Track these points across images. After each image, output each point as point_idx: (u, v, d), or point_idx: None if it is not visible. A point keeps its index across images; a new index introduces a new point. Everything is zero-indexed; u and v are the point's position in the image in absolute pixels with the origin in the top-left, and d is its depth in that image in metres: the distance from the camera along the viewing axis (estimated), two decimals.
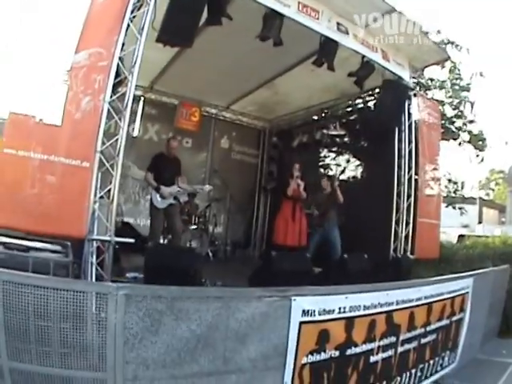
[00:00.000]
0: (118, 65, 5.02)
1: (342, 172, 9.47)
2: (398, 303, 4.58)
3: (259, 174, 11.29)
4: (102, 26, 5.03)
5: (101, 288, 3.16)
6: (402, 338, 4.75)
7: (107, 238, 4.93)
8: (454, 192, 13.09)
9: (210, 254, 8.55)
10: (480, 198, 34.24)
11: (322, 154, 10.14)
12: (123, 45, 5.10)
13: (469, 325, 6.16)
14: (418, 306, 4.91)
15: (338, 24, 6.98)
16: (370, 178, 8.71)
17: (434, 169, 8.16)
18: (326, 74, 8.27)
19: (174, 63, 8.29)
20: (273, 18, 6.32)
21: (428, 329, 5.20)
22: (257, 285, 5.36)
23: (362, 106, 9.14)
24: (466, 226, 20.35)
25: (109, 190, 5.05)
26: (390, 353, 4.63)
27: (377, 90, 8.48)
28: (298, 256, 5.86)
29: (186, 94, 9.79)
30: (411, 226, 7.71)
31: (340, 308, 3.99)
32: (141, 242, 7.26)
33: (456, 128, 11.86)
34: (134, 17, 5.23)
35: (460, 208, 13.75)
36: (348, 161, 9.38)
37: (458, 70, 12.08)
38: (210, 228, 9.29)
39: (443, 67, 10.65)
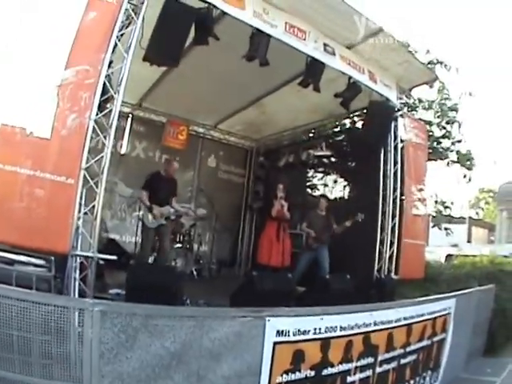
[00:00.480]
0: (104, 83, 5.10)
1: (329, 192, 9.60)
2: (375, 324, 4.62)
3: (245, 193, 11.35)
4: (91, 43, 5.09)
5: (78, 304, 3.27)
6: (380, 358, 4.77)
7: (90, 255, 4.94)
8: (440, 213, 13.21)
9: (195, 273, 8.55)
10: (469, 218, 34.56)
11: (309, 175, 10.26)
12: (111, 62, 5.19)
13: (452, 344, 6.21)
14: (396, 327, 4.94)
15: (325, 45, 7.11)
16: (356, 198, 8.85)
17: (421, 189, 8.30)
18: (312, 94, 8.37)
19: (162, 81, 8.40)
20: (259, 38, 6.41)
21: (408, 349, 5.23)
22: (238, 304, 5.36)
23: (348, 126, 9.32)
24: (454, 246, 20.49)
25: (93, 207, 5.08)
26: (368, 373, 4.65)
27: (364, 111, 8.63)
28: (281, 276, 5.91)
29: (174, 113, 9.91)
30: (396, 246, 7.80)
31: (315, 329, 4.02)
32: (126, 259, 7.37)
33: (443, 148, 12.03)
34: (121, 35, 5.32)
35: (446, 229, 13.90)
36: (335, 181, 9.49)
37: (447, 89, 12.30)
38: (195, 246, 9.29)
39: (431, 87, 10.82)
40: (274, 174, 10.52)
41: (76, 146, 4.87)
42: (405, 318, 5.06)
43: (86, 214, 5.00)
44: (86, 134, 4.91)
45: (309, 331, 3.94)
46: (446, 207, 13.31)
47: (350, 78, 7.49)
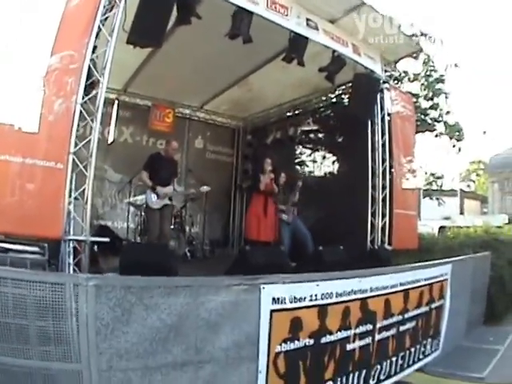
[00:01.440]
0: (89, 67, 5.19)
1: (318, 168, 9.76)
2: (372, 290, 4.72)
3: (234, 172, 11.53)
4: (74, 28, 5.18)
5: (72, 279, 3.27)
6: (378, 325, 4.87)
7: (83, 238, 5.08)
8: (430, 183, 13.43)
9: (188, 254, 8.71)
10: (461, 190, 35.00)
11: (297, 151, 10.41)
12: (95, 47, 5.27)
13: (451, 312, 6.33)
14: (393, 292, 5.05)
15: (308, 20, 7.19)
16: (345, 172, 9.01)
17: (410, 160, 8.47)
18: (297, 69, 8.42)
19: (146, 65, 8.46)
20: (241, 15, 6.47)
21: (406, 316, 5.34)
22: None
23: (334, 100, 9.42)
24: (447, 218, 20.83)
25: (83, 191, 5.21)
26: (368, 340, 4.76)
27: (349, 84, 8.76)
28: (273, 250, 6.06)
29: (160, 96, 10.01)
30: (388, 217, 7.99)
31: (312, 295, 4.10)
32: (119, 245, 7.47)
33: (431, 119, 12.18)
34: (105, 19, 5.40)
35: (437, 198, 14.12)
36: (323, 156, 9.63)
37: (432, 61, 12.40)
38: (187, 228, 9.43)
39: (416, 59, 10.93)
40: (261, 152, 10.56)
41: (64, 130, 4.98)
42: (401, 284, 5.18)
43: (76, 198, 5.13)
44: (73, 119, 5.02)
45: (305, 298, 4.04)
46: (438, 178, 13.51)
47: (333, 51, 7.59)
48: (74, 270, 4.89)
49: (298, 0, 6.99)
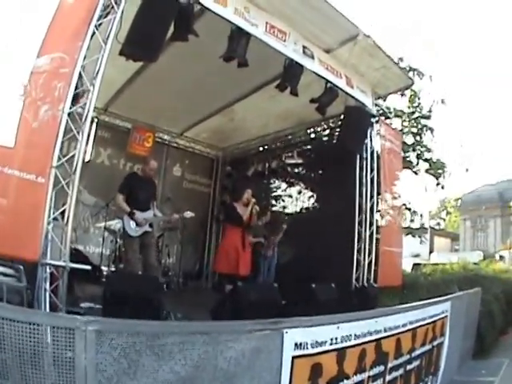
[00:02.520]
0: (80, 73, 4.59)
1: (300, 202, 9.27)
2: (385, 330, 4.30)
3: (211, 203, 10.81)
4: (67, 30, 4.59)
5: (66, 322, 2.52)
6: (389, 365, 4.47)
7: (61, 264, 4.38)
8: (412, 221, 13.19)
9: (164, 285, 7.96)
10: (431, 227, 35.31)
11: (278, 184, 9.91)
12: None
13: (448, 347, 6.07)
14: (403, 332, 4.68)
15: (304, 47, 6.87)
16: (330, 207, 8.47)
17: (394, 197, 8.12)
18: (285, 100, 8.15)
19: (130, 85, 7.89)
20: (239, 37, 6.09)
21: (413, 355, 4.99)
22: (222, 318, 4.93)
23: (320, 133, 9.04)
24: (417, 256, 20.82)
25: (63, 211, 4.54)
26: (379, 382, 4.33)
27: (337, 118, 8.45)
28: (266, 286, 5.46)
29: (140, 119, 9.35)
30: (374, 254, 7.57)
31: (332, 339, 3.63)
32: (94, 272, 6.70)
33: (417, 156, 12.00)
34: (100, 24, 4.84)
35: (419, 236, 13.90)
36: (307, 190, 9.13)
37: (419, 98, 12.29)
38: (163, 258, 8.73)
39: (403, 95, 10.78)
40: (240, 183, 9.98)
41: (48, 141, 4.33)
42: (410, 323, 4.82)
43: (55, 219, 4.44)
44: (59, 129, 4.39)
45: (325, 342, 3.53)
46: (416, 215, 13.25)
47: (326, 82, 7.23)
48: (51, 297, 4.19)
49: (296, 26, 6.65)
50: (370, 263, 7.52)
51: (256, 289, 5.26)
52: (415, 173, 12.23)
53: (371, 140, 7.87)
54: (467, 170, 14.73)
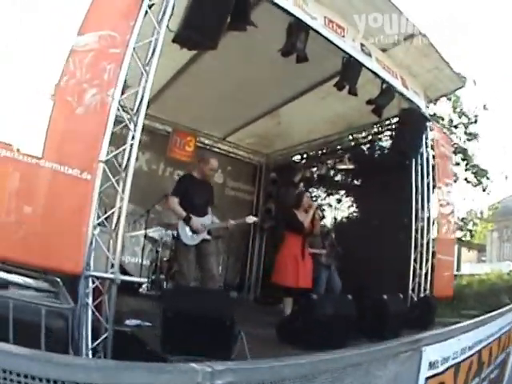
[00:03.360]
0: (132, 55, 3.68)
1: (352, 208, 8.22)
2: (484, 340, 3.45)
3: (255, 211, 9.50)
4: (115, 8, 3.73)
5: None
6: (482, 376, 3.61)
7: (110, 276, 3.44)
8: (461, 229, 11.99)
9: (234, 301, 6.89)
10: (458, 239, 33.66)
11: (328, 191, 8.83)
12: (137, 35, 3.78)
13: None
14: (494, 340, 3.85)
15: (362, 45, 5.95)
16: (385, 214, 7.40)
17: (448, 203, 7.05)
18: (335, 103, 7.31)
19: (171, 85, 7.00)
20: (298, 30, 5.21)
21: (495, 363, 4.13)
22: (293, 336, 3.95)
23: (372, 138, 8.02)
24: None
25: (112, 214, 3.61)
26: None
27: (387, 122, 7.48)
28: (342, 299, 4.43)
29: (181, 122, 8.39)
30: (430, 263, 6.56)
31: (453, 353, 2.75)
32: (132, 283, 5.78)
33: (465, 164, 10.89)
34: (152, 5, 3.94)
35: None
36: (360, 197, 8.01)
37: (461, 102, 11.23)
38: None
39: (449, 99, 9.69)
40: (287, 190, 8.97)
41: (95, 129, 3.44)
42: (496, 332, 3.96)
43: (100, 224, 3.53)
44: (108, 116, 3.48)
45: (448, 357, 2.63)
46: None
47: (382, 83, 6.27)
48: (93, 314, 3.27)
49: (353, 23, 5.73)
50: (426, 273, 6.48)
51: (332, 302, 4.27)
52: (467, 181, 10.98)
53: (426, 145, 6.83)
54: (506, 177, 12.88)
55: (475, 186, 11.26)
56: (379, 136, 7.94)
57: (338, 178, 8.59)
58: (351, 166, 8.09)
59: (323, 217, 5.76)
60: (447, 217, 7.02)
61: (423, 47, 6.01)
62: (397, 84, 6.35)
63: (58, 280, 3.31)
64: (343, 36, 5.65)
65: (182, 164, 8.41)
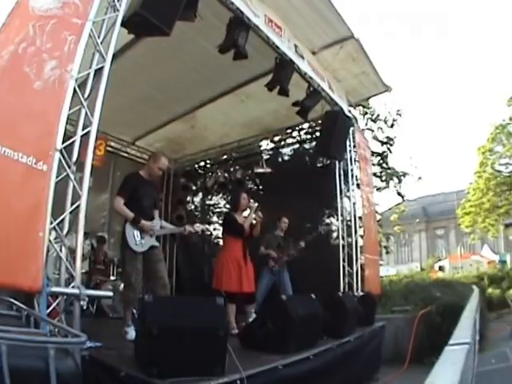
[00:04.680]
0: (91, 31, 3.15)
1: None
2: None
3: (165, 219, 9.02)
4: None
5: None
6: None
7: (75, 292, 2.85)
8: None
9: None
10: None
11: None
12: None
13: None
14: None
15: (296, 46, 5.97)
16: (309, 217, 7.47)
17: (370, 205, 7.36)
18: (254, 106, 7.31)
19: None
20: (240, 26, 5.02)
21: None
22: (260, 343, 3.70)
23: (290, 141, 8.07)
24: None
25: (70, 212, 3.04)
26: None
27: (306, 125, 7.61)
28: (308, 299, 4.24)
29: None
30: (359, 262, 6.74)
31: None
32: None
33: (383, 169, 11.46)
34: None
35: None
36: (280, 200, 7.91)
37: (372, 108, 11.87)
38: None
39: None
40: (200, 196, 8.58)
41: (52, 110, 2.87)
42: None
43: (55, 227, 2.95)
44: (65, 97, 2.92)
45: None
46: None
47: (309, 85, 6.34)
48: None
49: (289, 23, 5.76)
50: (357, 271, 6.64)
51: (301, 302, 4.04)
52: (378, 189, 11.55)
53: (350, 146, 7.06)
54: (420, 178, 13.77)
55: (384, 188, 12.00)
56: (298, 139, 8.03)
57: (256, 181, 8.45)
58: (269, 170, 8.00)
59: (262, 217, 5.46)
60: (371, 217, 7.27)
61: (353, 52, 6.16)
62: (325, 87, 6.47)
63: (13, 300, 2.60)
64: (281, 36, 5.60)
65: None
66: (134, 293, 4.13)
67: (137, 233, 4.23)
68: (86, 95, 3.26)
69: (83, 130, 3.22)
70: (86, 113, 3.21)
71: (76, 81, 3.02)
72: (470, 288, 7.99)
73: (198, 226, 4.76)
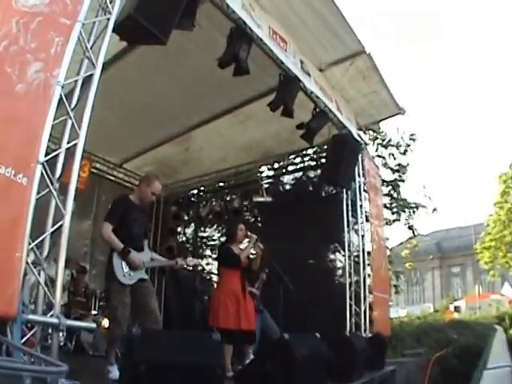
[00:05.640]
0: (80, 34, 3.13)
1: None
2: None
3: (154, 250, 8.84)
4: None
5: None
6: None
7: (53, 321, 2.73)
8: None
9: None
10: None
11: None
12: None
13: None
14: None
15: (302, 62, 5.98)
16: (313, 250, 7.36)
17: (381, 239, 7.28)
18: (254, 128, 7.32)
19: None
20: (241, 37, 5.04)
21: None
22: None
23: (292, 168, 8.03)
24: None
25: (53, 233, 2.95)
26: None
27: (310, 151, 7.60)
28: (312, 339, 4.12)
29: None
30: (367, 301, 6.63)
31: None
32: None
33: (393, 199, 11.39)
34: None
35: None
36: (282, 231, 7.80)
37: (384, 133, 11.92)
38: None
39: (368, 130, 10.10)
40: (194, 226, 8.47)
41: (35, 117, 2.82)
42: None
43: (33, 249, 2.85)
44: (51, 104, 2.87)
45: None
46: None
47: (315, 106, 6.34)
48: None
49: (295, 37, 5.79)
50: (365, 311, 6.50)
51: (305, 342, 3.92)
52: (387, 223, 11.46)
53: (359, 174, 7.03)
54: (435, 209, 13.53)
55: (394, 221, 11.90)
56: (301, 166, 7.99)
57: (255, 212, 8.38)
58: (269, 199, 7.94)
59: (263, 250, 5.36)
60: (380, 253, 7.18)
61: (364, 68, 6.17)
62: (332, 107, 6.47)
63: None
64: (286, 50, 5.62)
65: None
66: (119, 328, 4.02)
67: (125, 263, 4.12)
68: (72, 105, 3.21)
69: (68, 143, 3.13)
70: (73, 124, 3.14)
71: (63, 88, 2.98)
72: (491, 327, 7.86)
73: (191, 260, 4.72)
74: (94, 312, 6.59)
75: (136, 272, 4.16)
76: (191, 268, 5.89)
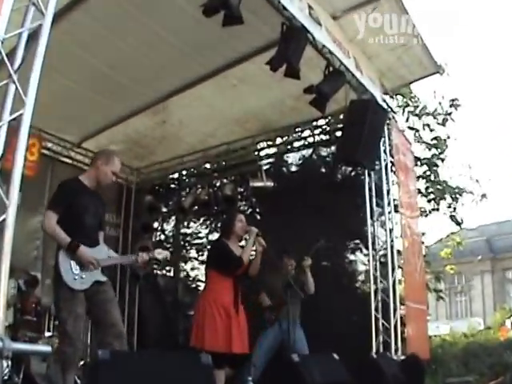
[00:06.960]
0: None
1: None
2: None
3: (122, 251, 8.59)
4: None
5: None
6: None
7: None
8: None
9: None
10: None
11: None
12: None
13: None
14: None
15: (310, 8, 5.92)
16: (326, 247, 7.42)
17: (414, 234, 7.33)
18: (252, 94, 7.38)
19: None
20: None
21: None
22: None
23: (302, 144, 8.08)
24: None
25: None
26: None
27: (321, 122, 7.64)
28: (328, 361, 4.19)
29: None
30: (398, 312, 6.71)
31: None
32: None
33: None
34: None
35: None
36: (285, 225, 7.85)
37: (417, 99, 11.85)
38: None
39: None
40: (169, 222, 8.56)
41: None
42: None
43: None
44: None
45: None
46: None
47: (328, 64, 6.32)
48: None
49: None
50: (395, 326, 6.54)
51: (318, 365, 3.99)
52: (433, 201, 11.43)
53: (385, 151, 7.09)
54: (484, 196, 12.94)
55: (432, 211, 11.87)
56: (310, 141, 8.03)
57: (252, 200, 8.45)
58: (269, 183, 7.98)
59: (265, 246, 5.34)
60: (414, 251, 7.23)
61: (390, 14, 6.14)
62: (350, 65, 6.46)
63: None
64: None
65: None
66: (72, 347, 3.97)
67: (74, 263, 4.12)
68: (15, 66, 3.19)
69: (11, 114, 3.12)
70: (17, 90, 3.12)
71: (2, 43, 2.97)
72: None
73: (160, 253, 4.63)
74: (47, 334, 6.59)
75: (90, 273, 4.14)
76: (160, 263, 5.81)
